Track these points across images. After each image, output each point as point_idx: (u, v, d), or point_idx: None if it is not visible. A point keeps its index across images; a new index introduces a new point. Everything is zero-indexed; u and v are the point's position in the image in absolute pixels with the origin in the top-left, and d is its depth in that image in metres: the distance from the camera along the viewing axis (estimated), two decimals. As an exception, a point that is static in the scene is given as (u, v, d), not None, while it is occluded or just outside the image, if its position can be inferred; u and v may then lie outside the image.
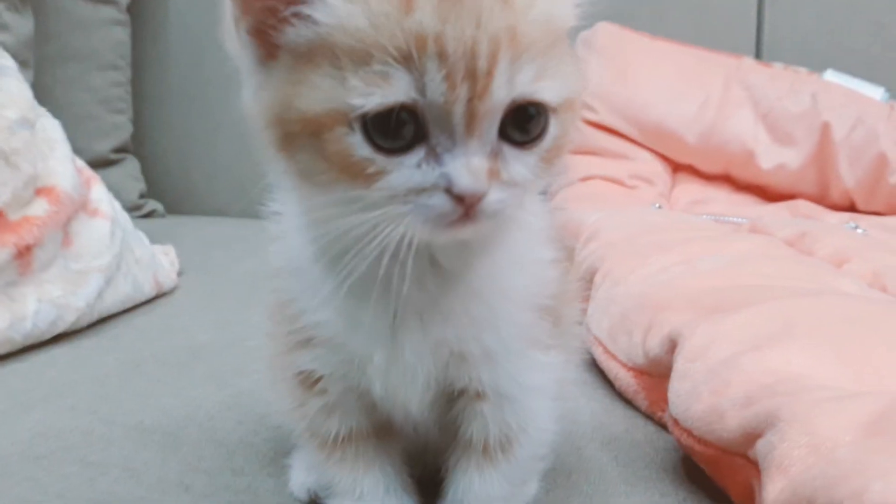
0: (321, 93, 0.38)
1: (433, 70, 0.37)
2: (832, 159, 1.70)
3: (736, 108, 1.76)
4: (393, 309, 0.45)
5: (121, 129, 1.85)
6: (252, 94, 0.42)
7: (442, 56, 0.37)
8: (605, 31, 1.85)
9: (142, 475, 0.61)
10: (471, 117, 0.38)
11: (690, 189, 1.81)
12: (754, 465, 0.52)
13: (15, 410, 0.73)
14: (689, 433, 0.60)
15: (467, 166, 0.38)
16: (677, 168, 1.83)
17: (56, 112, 1.16)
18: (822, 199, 1.74)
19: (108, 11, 1.81)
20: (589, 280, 1.02)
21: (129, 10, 1.86)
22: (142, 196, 1.87)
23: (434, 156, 0.39)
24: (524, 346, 0.47)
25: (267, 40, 0.41)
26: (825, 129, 1.70)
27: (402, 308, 0.45)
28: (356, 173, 0.38)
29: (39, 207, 0.94)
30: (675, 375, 0.65)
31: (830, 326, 0.64)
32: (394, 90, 0.37)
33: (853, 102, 1.73)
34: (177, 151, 1.96)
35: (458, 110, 0.38)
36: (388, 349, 0.46)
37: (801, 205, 1.70)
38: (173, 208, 1.93)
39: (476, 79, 0.38)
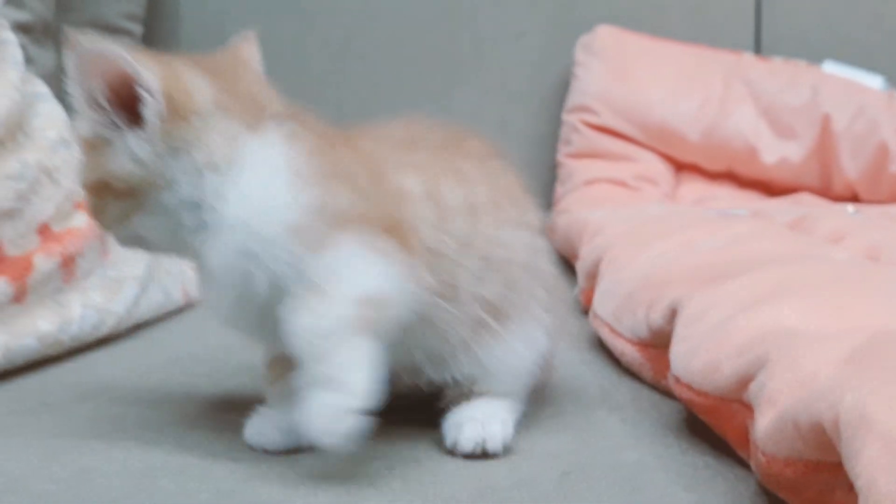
0: None
1: None
2: (834, 151, 1.73)
3: (737, 105, 1.79)
4: None
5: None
6: None
7: None
8: (605, 34, 1.89)
9: (192, 449, 0.66)
10: None
11: (695, 188, 1.84)
12: (748, 408, 0.58)
13: (71, 401, 0.79)
14: (689, 387, 0.65)
15: None
16: (681, 168, 1.86)
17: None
18: (826, 192, 1.77)
19: (124, 42, 1.88)
20: (594, 271, 1.07)
21: (144, 40, 1.93)
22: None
23: None
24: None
25: None
26: (826, 120, 1.73)
27: None
28: None
29: (79, 220, 1.01)
30: (675, 340, 0.71)
31: (819, 285, 0.70)
32: None
33: (853, 93, 1.75)
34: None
35: None
36: None
37: (805, 198, 1.73)
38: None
39: None
